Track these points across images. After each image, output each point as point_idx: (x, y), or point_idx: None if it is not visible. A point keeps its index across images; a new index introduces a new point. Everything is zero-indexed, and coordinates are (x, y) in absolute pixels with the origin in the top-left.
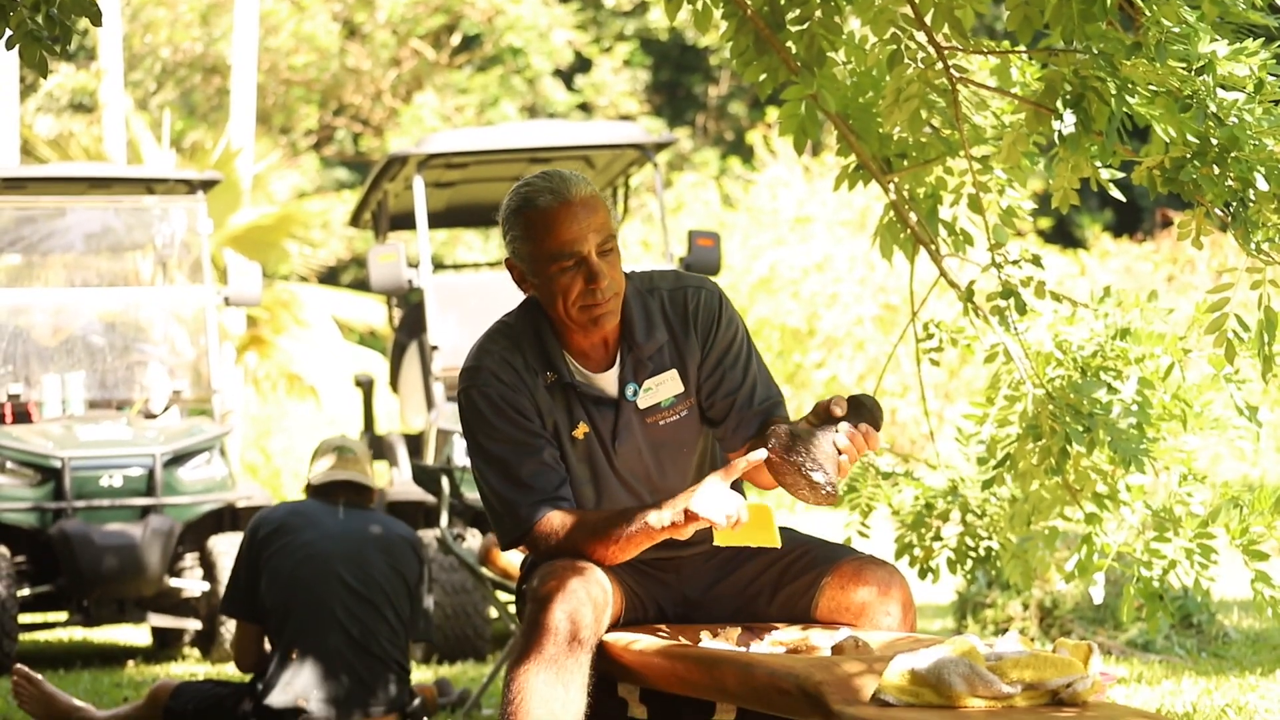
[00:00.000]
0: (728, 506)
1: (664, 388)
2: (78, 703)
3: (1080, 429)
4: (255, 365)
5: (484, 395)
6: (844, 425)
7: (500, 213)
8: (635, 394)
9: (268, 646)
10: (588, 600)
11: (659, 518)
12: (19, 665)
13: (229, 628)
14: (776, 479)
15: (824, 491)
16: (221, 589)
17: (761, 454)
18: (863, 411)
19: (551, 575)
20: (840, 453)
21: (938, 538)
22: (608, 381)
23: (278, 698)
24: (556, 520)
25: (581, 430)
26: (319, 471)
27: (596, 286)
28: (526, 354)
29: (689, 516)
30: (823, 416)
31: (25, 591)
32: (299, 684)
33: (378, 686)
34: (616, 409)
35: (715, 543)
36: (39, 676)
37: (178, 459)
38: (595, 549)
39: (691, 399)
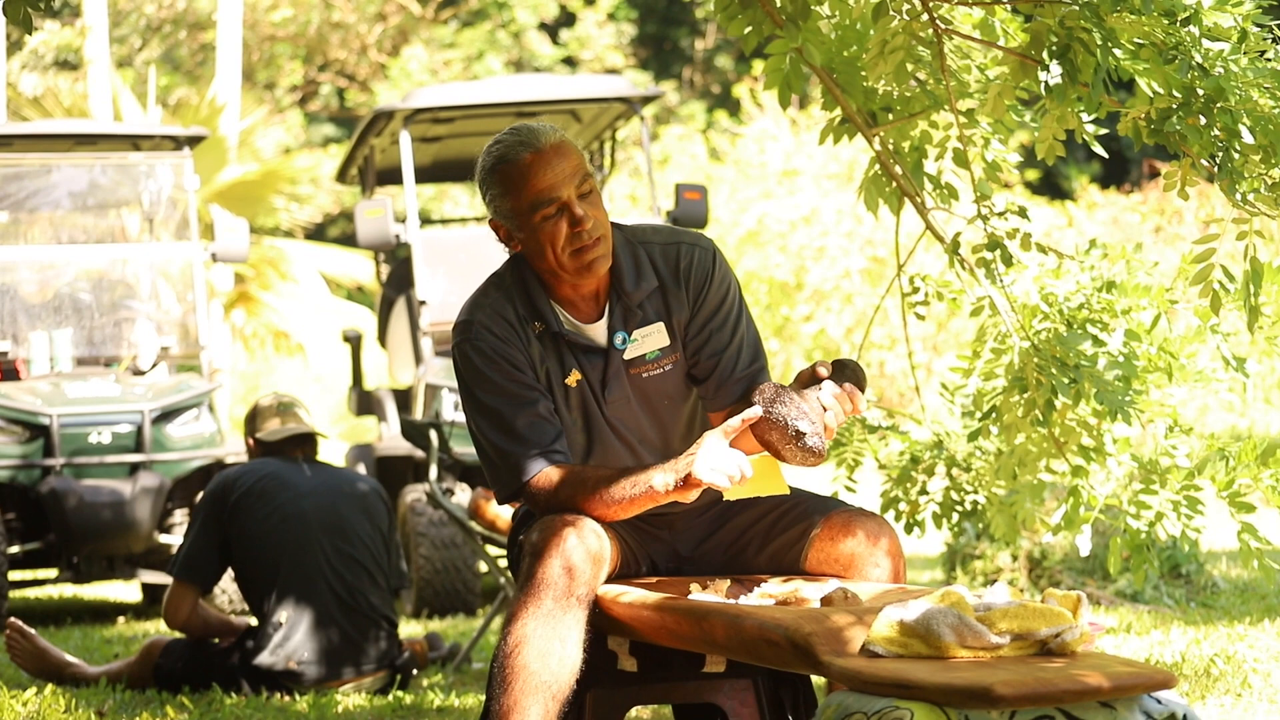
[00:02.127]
0: (728, 467)
1: (650, 340)
2: (70, 658)
3: (1066, 381)
4: (243, 322)
5: (476, 349)
6: (828, 384)
7: (476, 175)
8: (624, 342)
9: (205, 599)
10: (584, 553)
11: (663, 481)
12: (13, 619)
13: (221, 586)
14: (761, 438)
15: (809, 445)
16: None
17: (756, 411)
18: (846, 373)
19: (547, 528)
20: (825, 409)
21: (924, 492)
22: (597, 331)
23: (267, 659)
24: (554, 475)
25: (574, 378)
26: (270, 428)
27: (581, 229)
28: (517, 305)
29: (691, 482)
30: (807, 380)
31: (14, 549)
32: (290, 645)
33: (368, 644)
34: (606, 358)
35: (726, 498)
36: (32, 631)
37: (166, 415)
38: (595, 507)
39: (678, 354)
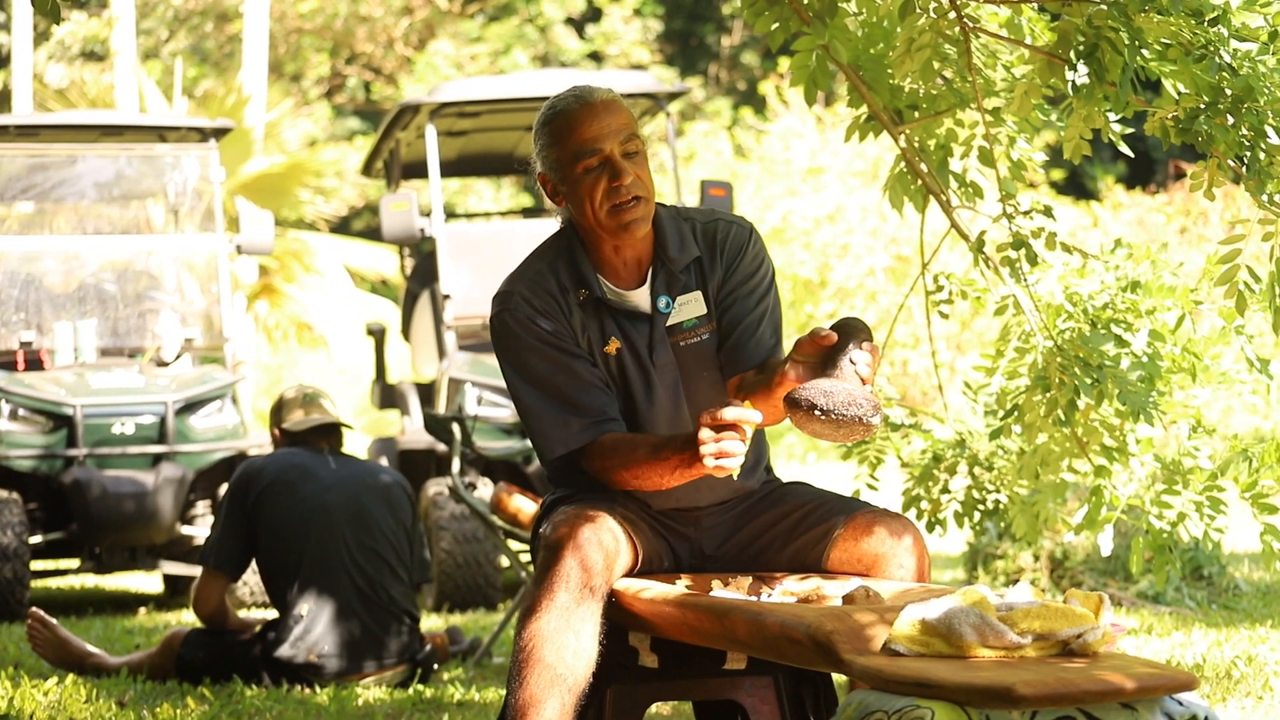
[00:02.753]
0: (727, 445)
1: (688, 307)
2: (91, 648)
3: (1089, 381)
4: (266, 314)
5: (515, 318)
6: (857, 355)
7: (532, 131)
8: (668, 306)
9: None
10: (599, 548)
11: (688, 458)
12: (35, 609)
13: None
14: (828, 439)
15: (873, 427)
16: None
17: (756, 416)
18: (857, 333)
19: (563, 523)
20: (864, 381)
21: (945, 490)
22: (639, 297)
23: (288, 651)
24: (606, 443)
25: (614, 346)
26: (295, 418)
27: (620, 184)
28: (560, 274)
29: (696, 468)
30: (812, 353)
31: (37, 538)
32: (311, 638)
33: (389, 637)
34: (650, 323)
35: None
36: (54, 621)
37: (190, 407)
38: (639, 478)
39: (713, 323)
